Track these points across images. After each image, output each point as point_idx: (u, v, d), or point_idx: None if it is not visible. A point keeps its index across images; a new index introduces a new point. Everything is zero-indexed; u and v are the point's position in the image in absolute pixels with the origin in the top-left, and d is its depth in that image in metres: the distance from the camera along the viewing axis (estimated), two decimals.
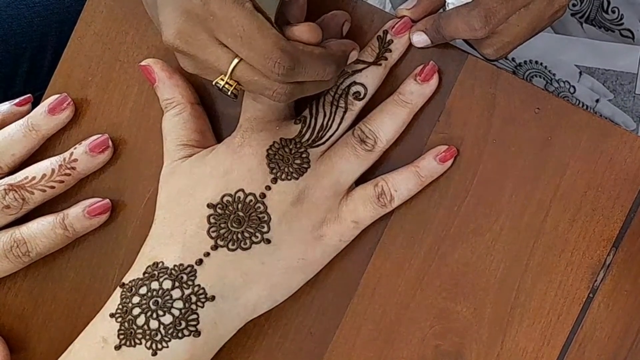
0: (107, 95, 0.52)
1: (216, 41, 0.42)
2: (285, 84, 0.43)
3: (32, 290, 0.52)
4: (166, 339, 0.45)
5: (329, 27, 0.49)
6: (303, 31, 0.43)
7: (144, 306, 0.45)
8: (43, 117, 0.51)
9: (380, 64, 0.49)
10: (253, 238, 0.46)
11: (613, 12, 0.87)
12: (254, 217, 0.46)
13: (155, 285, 0.45)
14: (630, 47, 0.86)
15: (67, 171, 0.50)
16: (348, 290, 0.50)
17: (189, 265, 0.46)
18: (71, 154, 0.50)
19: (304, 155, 0.48)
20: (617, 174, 0.49)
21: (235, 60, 0.42)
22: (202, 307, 0.45)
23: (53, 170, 0.50)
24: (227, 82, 0.43)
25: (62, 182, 0.50)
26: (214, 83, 0.44)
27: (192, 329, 0.45)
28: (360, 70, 0.49)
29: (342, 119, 0.49)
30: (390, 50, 0.49)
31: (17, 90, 0.67)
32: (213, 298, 0.46)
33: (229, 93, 0.44)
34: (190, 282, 0.45)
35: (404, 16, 0.49)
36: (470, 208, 0.50)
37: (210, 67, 0.43)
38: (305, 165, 0.48)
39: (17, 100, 0.52)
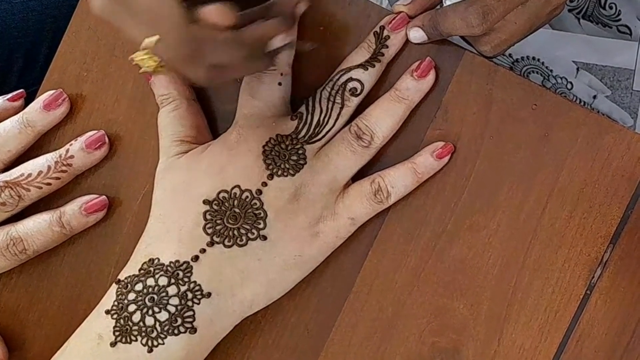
0: (102, 90, 0.52)
1: (136, 17, 0.40)
2: (199, 67, 0.41)
3: (28, 287, 0.52)
4: (162, 335, 0.45)
5: (281, 5, 0.45)
6: (210, 13, 0.40)
7: (139, 303, 0.45)
8: (38, 113, 0.51)
9: (379, 61, 0.49)
10: (249, 234, 0.46)
11: (610, 7, 0.87)
12: (250, 214, 0.46)
13: (151, 281, 0.45)
14: (628, 43, 0.86)
15: (63, 168, 0.50)
16: (345, 287, 0.50)
17: (184, 262, 0.46)
18: (67, 151, 0.50)
19: (300, 152, 0.48)
20: (615, 171, 0.49)
21: (155, 37, 0.40)
22: (198, 303, 0.45)
23: (49, 167, 0.49)
24: (143, 58, 0.41)
25: (58, 178, 0.50)
26: (129, 58, 0.42)
27: (188, 325, 0.45)
28: (357, 67, 0.49)
29: (338, 115, 0.49)
30: (387, 46, 0.49)
31: (11, 85, 0.67)
32: (209, 295, 0.45)
33: (143, 69, 0.42)
34: (186, 279, 0.45)
35: (400, 12, 0.49)
36: (467, 204, 0.50)
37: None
38: (301, 162, 0.48)
39: (9, 95, 0.52)
